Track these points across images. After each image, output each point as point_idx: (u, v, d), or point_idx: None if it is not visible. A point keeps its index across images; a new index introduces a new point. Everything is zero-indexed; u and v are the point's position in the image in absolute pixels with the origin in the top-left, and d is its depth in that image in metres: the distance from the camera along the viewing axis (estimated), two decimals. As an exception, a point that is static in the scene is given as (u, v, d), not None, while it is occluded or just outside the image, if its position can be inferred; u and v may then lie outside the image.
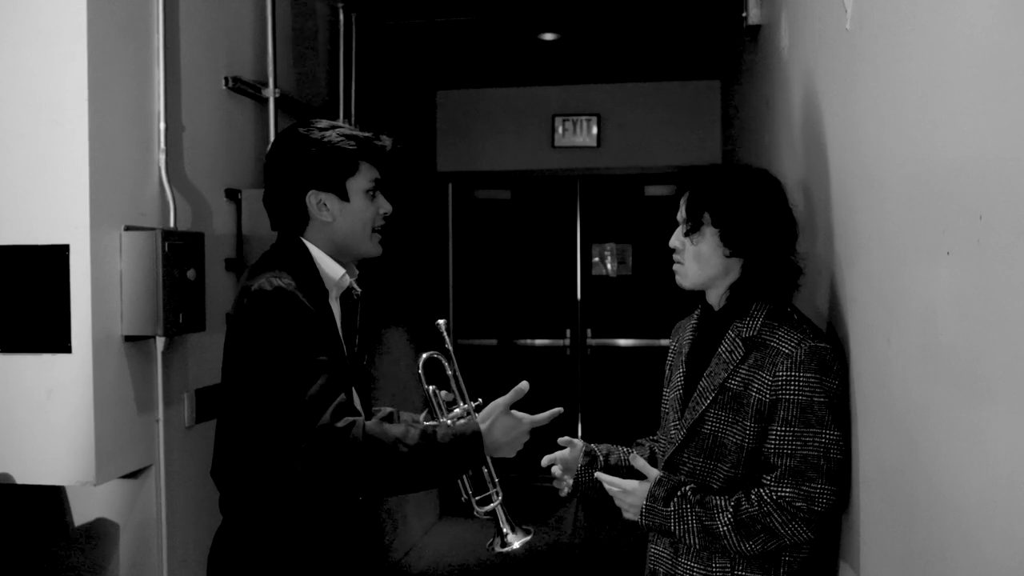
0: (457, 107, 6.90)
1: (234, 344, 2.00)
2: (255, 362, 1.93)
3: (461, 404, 2.12)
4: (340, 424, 1.84)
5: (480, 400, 2.12)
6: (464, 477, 2.06)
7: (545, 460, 2.19)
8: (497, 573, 5.18)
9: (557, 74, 6.54)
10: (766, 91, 3.38)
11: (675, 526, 1.85)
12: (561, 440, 2.20)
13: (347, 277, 2.10)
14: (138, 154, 2.75)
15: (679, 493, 1.86)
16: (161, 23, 2.82)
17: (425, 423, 2.12)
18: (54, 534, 2.80)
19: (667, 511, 1.86)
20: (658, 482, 1.90)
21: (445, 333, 2.13)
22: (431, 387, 2.11)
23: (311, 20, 4.10)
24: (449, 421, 2.08)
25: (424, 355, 2.13)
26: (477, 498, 2.08)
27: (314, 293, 1.99)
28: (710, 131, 6.47)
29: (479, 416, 2.03)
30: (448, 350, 2.12)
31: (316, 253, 2.06)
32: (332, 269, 2.06)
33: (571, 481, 2.16)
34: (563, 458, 2.17)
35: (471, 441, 1.96)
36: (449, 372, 2.12)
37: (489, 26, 5.33)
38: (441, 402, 2.12)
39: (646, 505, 1.89)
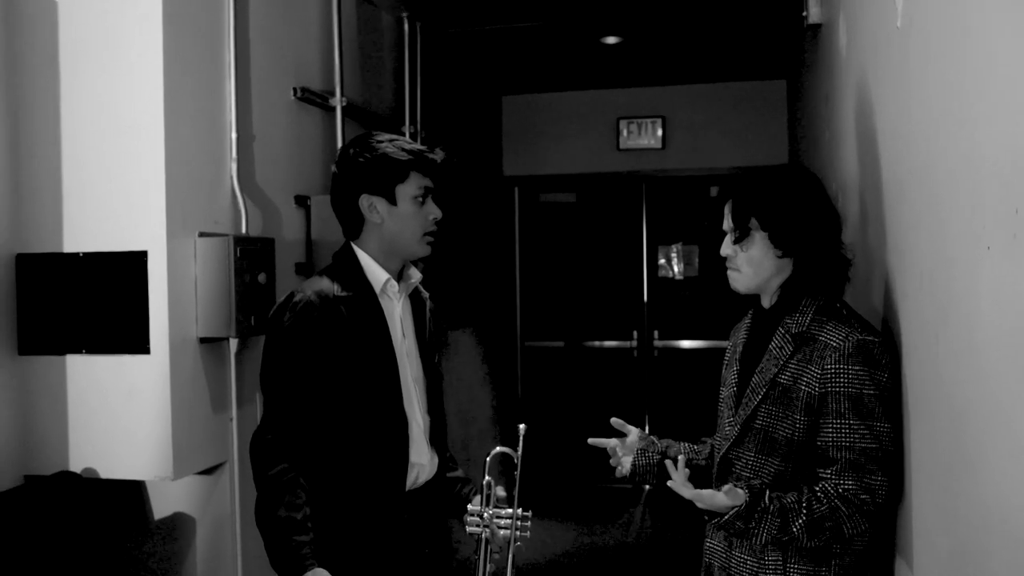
0: (522, 112, 6.96)
1: None
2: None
3: (510, 508, 2.21)
4: (272, 472, 2.09)
5: (531, 511, 2.21)
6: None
7: (591, 440, 2.27)
8: (565, 570, 5.22)
9: (621, 77, 6.56)
10: (827, 89, 3.37)
11: (751, 535, 1.86)
12: (614, 422, 2.25)
13: (394, 282, 2.22)
14: (211, 163, 2.87)
15: (760, 507, 1.82)
16: (232, 37, 2.94)
17: (469, 514, 2.25)
18: (136, 527, 2.93)
19: (748, 527, 1.85)
20: (738, 515, 1.84)
21: (521, 437, 2.21)
22: (489, 479, 2.22)
23: (376, 30, 4.20)
24: (487, 513, 2.20)
25: (496, 449, 2.25)
26: None
27: (358, 294, 2.17)
28: (777, 130, 6.42)
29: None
30: (519, 454, 2.21)
31: (364, 259, 2.22)
32: (375, 273, 2.22)
33: (629, 462, 2.20)
34: (620, 443, 2.23)
35: (292, 564, 2.03)
36: (516, 474, 2.21)
37: (552, 31, 5.38)
38: (495, 496, 2.22)
39: (727, 521, 1.86)
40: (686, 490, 1.89)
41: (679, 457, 1.95)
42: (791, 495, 1.84)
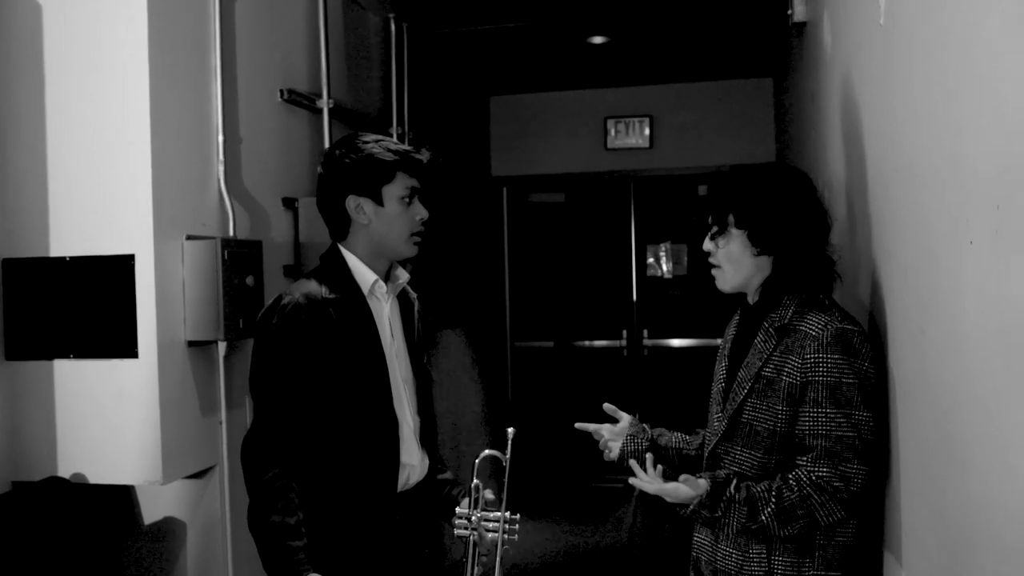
0: (510, 112, 6.97)
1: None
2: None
3: (498, 511, 2.19)
4: (264, 477, 2.07)
5: (519, 515, 2.19)
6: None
7: (578, 425, 2.29)
8: (557, 570, 5.23)
9: (608, 76, 6.57)
10: (812, 87, 3.39)
11: (721, 524, 1.88)
12: (606, 407, 2.28)
13: (381, 283, 2.23)
14: (198, 166, 2.86)
15: (725, 496, 1.85)
16: (218, 40, 2.93)
17: (458, 515, 2.22)
18: (126, 532, 2.92)
19: (714, 516, 1.87)
20: (701, 504, 1.87)
21: (510, 441, 2.18)
22: (477, 482, 2.21)
23: (363, 31, 4.19)
24: (475, 516, 2.18)
25: (484, 452, 2.23)
26: None
27: (346, 295, 2.17)
28: (764, 129, 6.44)
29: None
30: (507, 457, 2.19)
31: (351, 260, 2.22)
32: (363, 275, 2.22)
33: (618, 447, 2.23)
34: (609, 428, 2.26)
35: (286, 570, 2.02)
36: (505, 478, 2.19)
37: (539, 31, 5.39)
38: (483, 499, 2.21)
39: (692, 511, 1.89)
40: (650, 485, 1.93)
41: (647, 456, 2.00)
42: (762, 484, 1.86)
